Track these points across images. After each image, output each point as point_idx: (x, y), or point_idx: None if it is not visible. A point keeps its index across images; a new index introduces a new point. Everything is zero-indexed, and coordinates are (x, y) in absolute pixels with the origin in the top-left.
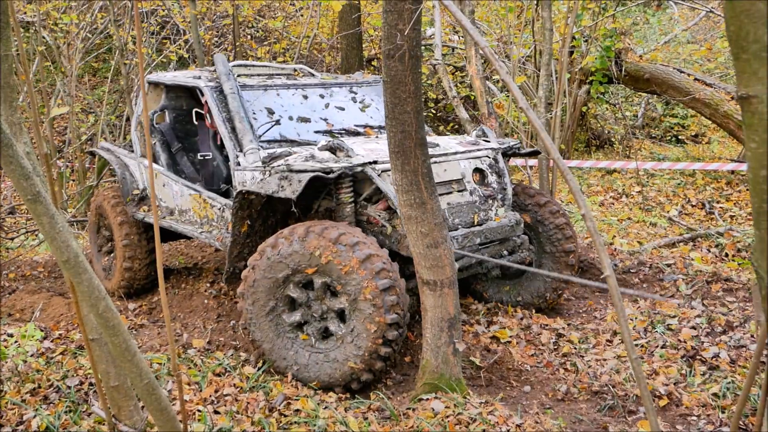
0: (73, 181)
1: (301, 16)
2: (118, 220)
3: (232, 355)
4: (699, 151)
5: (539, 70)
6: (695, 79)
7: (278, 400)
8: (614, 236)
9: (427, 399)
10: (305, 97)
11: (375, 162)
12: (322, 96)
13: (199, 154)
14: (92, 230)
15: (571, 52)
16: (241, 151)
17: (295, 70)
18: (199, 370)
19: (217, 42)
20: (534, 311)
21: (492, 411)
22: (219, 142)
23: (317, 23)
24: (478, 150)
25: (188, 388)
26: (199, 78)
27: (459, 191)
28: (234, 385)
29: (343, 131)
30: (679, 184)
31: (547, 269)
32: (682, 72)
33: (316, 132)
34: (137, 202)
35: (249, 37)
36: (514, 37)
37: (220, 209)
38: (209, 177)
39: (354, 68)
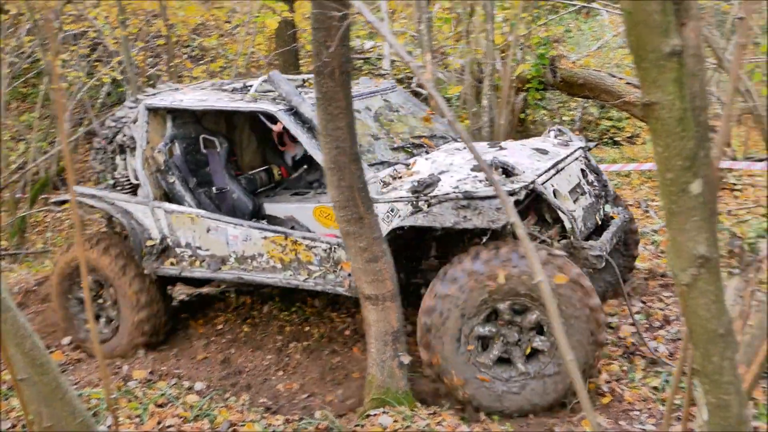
0: (5, 212)
1: (237, 33)
2: (129, 273)
3: (175, 384)
4: (634, 152)
5: (479, 81)
6: (627, 82)
7: (224, 427)
8: None
9: (375, 414)
10: (358, 111)
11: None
12: (368, 108)
13: (214, 188)
14: (61, 292)
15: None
16: None
17: (304, 81)
18: (141, 403)
19: (151, 63)
20: None
21: (440, 421)
22: (233, 172)
23: (253, 40)
24: (575, 150)
25: (129, 422)
26: (255, 102)
27: (582, 194)
28: (177, 415)
29: (410, 144)
30: (616, 185)
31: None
32: (613, 76)
33: (393, 149)
34: (157, 255)
35: (185, 56)
36: (450, 48)
37: (326, 250)
38: (230, 211)
39: None
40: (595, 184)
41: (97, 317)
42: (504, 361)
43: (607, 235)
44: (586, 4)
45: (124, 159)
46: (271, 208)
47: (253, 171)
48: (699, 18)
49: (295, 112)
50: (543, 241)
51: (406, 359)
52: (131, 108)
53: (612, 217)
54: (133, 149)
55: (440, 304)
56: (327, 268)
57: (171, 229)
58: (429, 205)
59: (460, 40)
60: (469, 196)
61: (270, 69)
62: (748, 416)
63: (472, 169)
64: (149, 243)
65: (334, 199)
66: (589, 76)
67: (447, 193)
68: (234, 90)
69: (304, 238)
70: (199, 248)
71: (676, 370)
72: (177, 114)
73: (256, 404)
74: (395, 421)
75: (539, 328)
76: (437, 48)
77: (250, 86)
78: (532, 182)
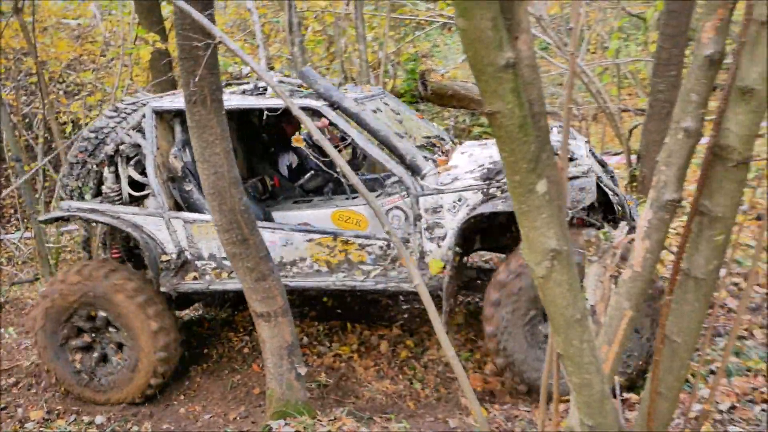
0: None
1: (113, 66)
2: (138, 302)
3: (74, 420)
4: None
5: None
6: None
7: None
8: None
9: (276, 428)
10: (378, 109)
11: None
12: (380, 109)
13: None
14: (46, 329)
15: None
16: (414, 174)
17: (300, 85)
18: None
19: (26, 101)
20: (371, 323)
21: (341, 426)
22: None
23: (130, 72)
24: (587, 141)
25: None
26: (306, 97)
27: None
28: None
29: (428, 143)
30: None
31: None
32: None
33: (417, 147)
34: (176, 270)
35: (61, 92)
36: (324, 69)
37: (382, 247)
38: None
39: None
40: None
41: (104, 358)
42: None
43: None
44: (448, 21)
45: (114, 171)
46: (280, 216)
47: (249, 181)
48: (529, 31)
49: (337, 107)
50: (600, 227)
51: (303, 370)
52: (112, 117)
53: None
54: (131, 158)
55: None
56: (386, 265)
57: (191, 240)
58: (502, 192)
59: (334, 60)
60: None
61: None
62: (608, 392)
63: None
64: (164, 258)
65: (217, 223)
66: (457, 87)
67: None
68: (245, 92)
69: (357, 237)
70: (226, 259)
71: (547, 358)
72: (185, 118)
73: (159, 431)
74: (297, 431)
75: None
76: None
77: (263, 87)
78: (591, 166)
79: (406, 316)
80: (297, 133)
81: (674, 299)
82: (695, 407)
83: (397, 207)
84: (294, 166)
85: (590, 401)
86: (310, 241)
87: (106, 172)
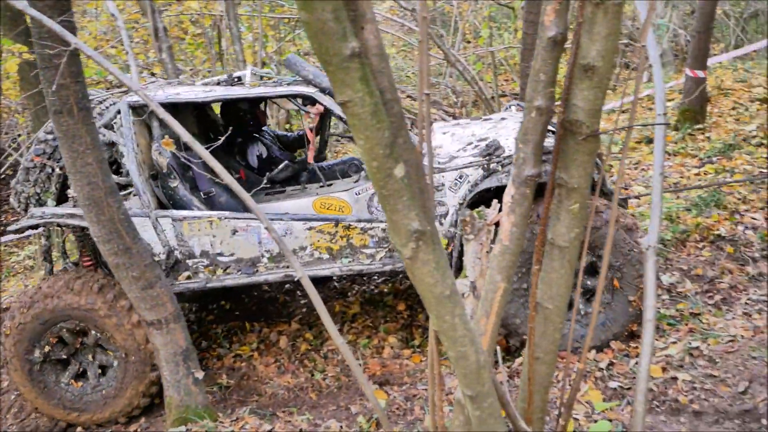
0: None
1: None
2: (123, 305)
3: None
4: None
5: None
6: None
7: None
8: None
9: None
10: None
11: None
12: None
13: (201, 192)
14: (26, 351)
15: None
16: None
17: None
18: None
19: None
20: (269, 321)
21: (243, 425)
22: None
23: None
24: None
25: None
26: (286, 86)
27: None
28: None
29: None
30: None
31: None
32: None
33: None
34: (167, 271)
35: None
36: (206, 72)
37: (384, 229)
38: None
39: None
40: None
41: (83, 374)
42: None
43: None
44: None
45: None
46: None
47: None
48: (374, 21)
49: (329, 93)
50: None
51: (200, 374)
52: None
53: None
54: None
55: None
56: (390, 246)
57: (181, 239)
58: (503, 166)
59: (217, 61)
60: (547, 151)
61: (26, 113)
62: (484, 362)
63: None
64: (155, 260)
65: (96, 235)
66: None
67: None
68: (220, 83)
69: (359, 221)
70: (220, 255)
71: (430, 341)
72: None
73: None
74: None
75: (593, 270)
76: (194, 71)
77: (238, 77)
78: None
79: (304, 310)
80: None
81: (543, 268)
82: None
83: None
84: (264, 156)
85: (467, 372)
86: (310, 229)
87: None
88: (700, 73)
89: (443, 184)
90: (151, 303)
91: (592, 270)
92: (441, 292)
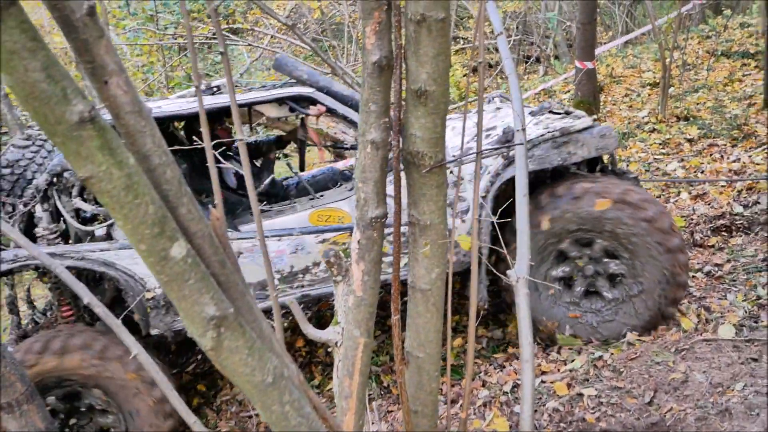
0: None
1: None
2: (114, 353)
3: None
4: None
5: None
6: None
7: None
8: None
9: None
10: None
11: None
12: None
13: None
14: None
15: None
16: None
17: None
18: None
19: None
20: None
21: None
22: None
23: None
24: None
25: None
26: (284, 87)
27: None
28: None
29: None
30: None
31: None
32: None
33: None
34: (166, 307)
35: None
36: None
37: (404, 233)
38: None
39: None
40: None
41: None
42: (591, 293)
43: None
44: (206, 41)
45: (48, 209)
46: (251, 229)
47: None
48: (122, 72)
49: (327, 92)
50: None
51: None
52: (26, 147)
53: None
54: (70, 188)
55: None
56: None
57: None
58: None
59: None
60: (566, 132)
61: None
62: None
63: (531, 113)
64: (149, 296)
65: None
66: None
67: (541, 135)
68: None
69: None
70: None
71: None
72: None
73: None
74: None
75: (610, 254)
76: None
77: (217, 87)
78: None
79: (199, 357)
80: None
81: (408, 314)
82: (482, 394)
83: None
84: (241, 174)
85: None
86: (323, 242)
87: (39, 211)
88: (589, 64)
89: (462, 178)
90: None
91: (613, 254)
92: (262, 380)
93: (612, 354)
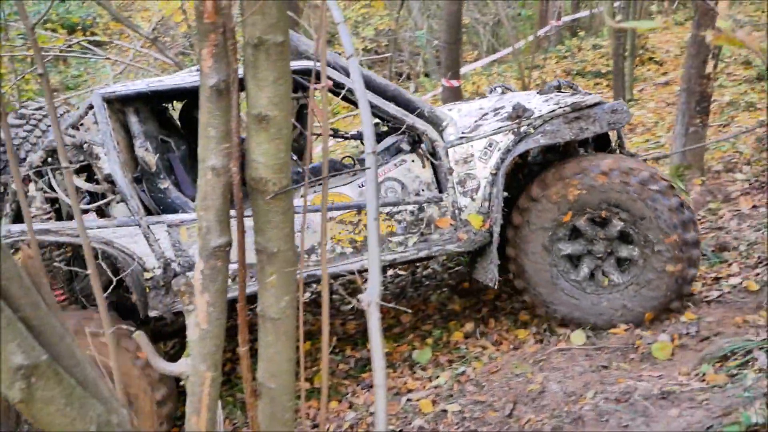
0: None
1: None
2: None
3: None
4: None
5: None
6: None
7: None
8: None
9: None
10: None
11: None
12: None
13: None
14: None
15: None
16: (435, 126)
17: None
18: None
19: None
20: None
21: None
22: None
23: None
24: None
25: None
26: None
27: None
28: None
29: None
30: None
31: None
32: None
33: None
34: (166, 287)
35: None
36: None
37: (413, 212)
38: None
39: None
40: None
41: None
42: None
43: None
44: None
45: (42, 188)
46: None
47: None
48: None
49: (334, 67)
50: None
51: None
52: (20, 126)
53: None
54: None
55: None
56: (422, 230)
57: (179, 248)
58: (534, 129)
59: None
60: (578, 107)
61: None
62: None
63: (540, 93)
64: (148, 276)
65: None
66: None
67: (552, 111)
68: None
69: (385, 205)
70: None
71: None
72: (141, 107)
73: None
74: None
75: (625, 237)
76: None
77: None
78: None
79: None
80: None
81: (259, 343)
82: (348, 416)
83: (389, 178)
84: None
85: None
86: (330, 220)
87: (32, 190)
88: (455, 82)
89: (472, 155)
90: None
91: (626, 238)
92: (83, 430)
93: (475, 368)
